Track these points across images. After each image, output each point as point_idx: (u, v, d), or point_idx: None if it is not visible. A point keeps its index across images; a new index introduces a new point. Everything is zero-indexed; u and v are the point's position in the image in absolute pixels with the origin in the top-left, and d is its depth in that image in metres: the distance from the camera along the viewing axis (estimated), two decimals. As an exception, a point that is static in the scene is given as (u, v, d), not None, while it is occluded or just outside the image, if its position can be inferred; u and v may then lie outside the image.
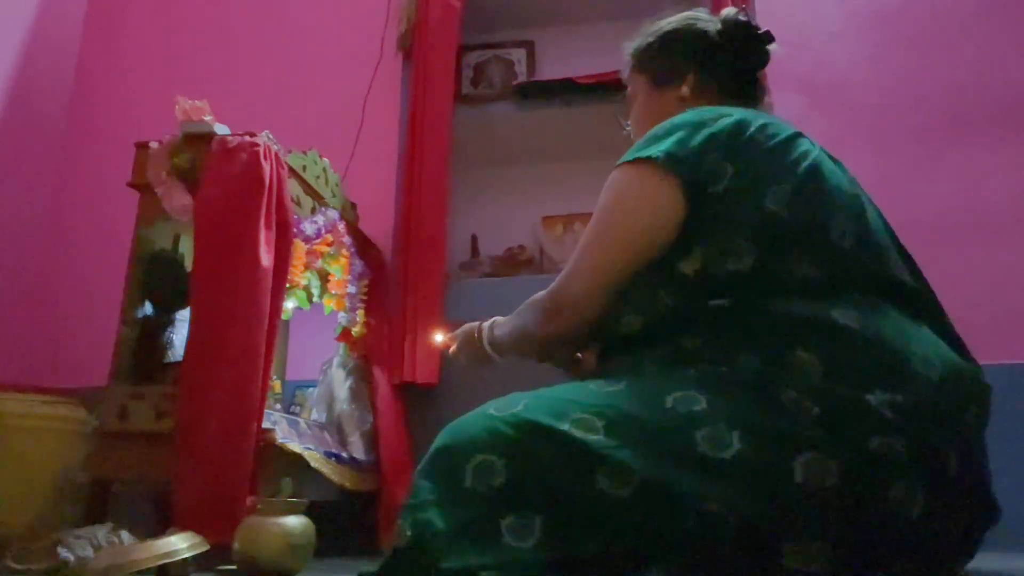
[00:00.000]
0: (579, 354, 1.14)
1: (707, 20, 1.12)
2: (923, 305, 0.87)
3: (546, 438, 0.74)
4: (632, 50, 1.18)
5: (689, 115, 0.94)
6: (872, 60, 2.17)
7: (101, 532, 1.19)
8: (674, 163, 0.88)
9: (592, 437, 0.73)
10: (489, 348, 1.16)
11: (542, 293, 0.98)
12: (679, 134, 0.90)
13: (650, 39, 1.15)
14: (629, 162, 0.92)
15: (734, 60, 1.09)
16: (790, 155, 0.89)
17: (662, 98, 1.12)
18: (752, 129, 0.90)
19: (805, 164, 0.88)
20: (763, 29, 1.09)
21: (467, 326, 1.24)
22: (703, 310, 0.84)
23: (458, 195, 2.13)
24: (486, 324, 1.19)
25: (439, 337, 1.32)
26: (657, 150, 0.89)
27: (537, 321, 0.98)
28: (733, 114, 0.92)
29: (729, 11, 1.11)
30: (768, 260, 0.83)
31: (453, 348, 1.25)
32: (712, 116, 0.92)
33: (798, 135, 0.93)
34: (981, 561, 0.82)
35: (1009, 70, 2.08)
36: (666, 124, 0.94)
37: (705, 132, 0.89)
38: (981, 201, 2.01)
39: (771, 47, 1.10)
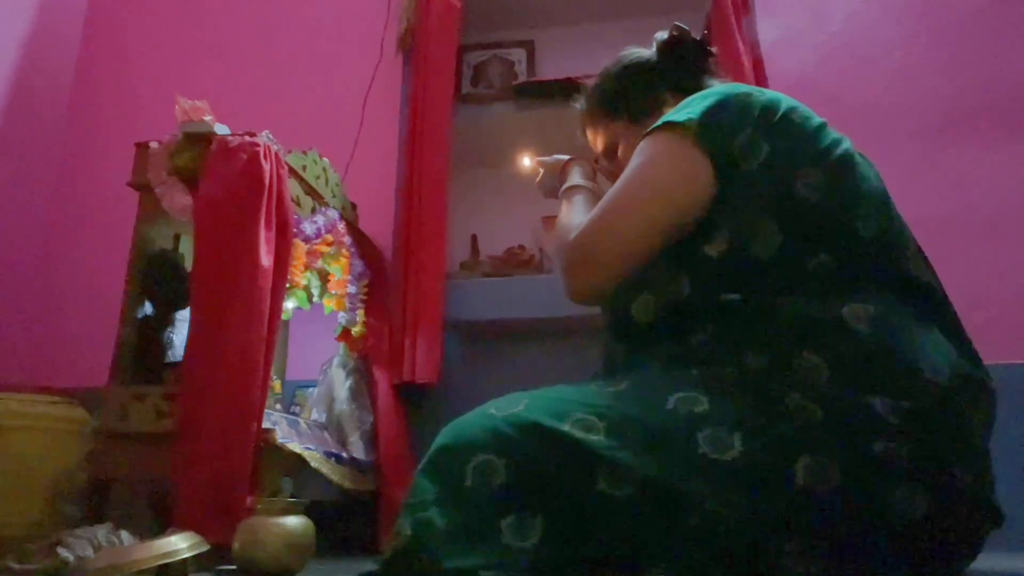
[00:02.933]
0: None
1: (642, 50, 1.16)
2: (936, 305, 0.86)
3: (546, 438, 0.74)
4: (596, 102, 1.18)
5: (718, 89, 0.93)
6: (872, 60, 2.17)
7: (101, 532, 1.19)
8: (707, 136, 0.87)
9: (593, 437, 0.73)
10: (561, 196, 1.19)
11: (571, 241, 0.94)
12: (710, 104, 0.90)
13: (608, 84, 1.17)
14: (661, 129, 0.91)
15: (691, 72, 1.12)
16: (823, 140, 0.88)
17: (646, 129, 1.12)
18: (784, 109, 0.90)
19: (838, 151, 0.88)
20: (698, 36, 1.13)
21: (554, 159, 1.28)
22: (714, 304, 0.83)
23: (458, 195, 2.13)
24: (574, 173, 1.21)
25: (527, 161, 1.43)
26: (688, 116, 0.88)
27: (562, 267, 0.95)
28: (765, 92, 0.92)
29: (660, 34, 1.14)
30: (792, 247, 0.82)
31: (539, 178, 1.31)
32: (743, 92, 0.91)
33: (826, 123, 0.92)
34: (981, 561, 0.82)
35: (1010, 70, 2.08)
36: (695, 96, 0.93)
37: (737, 107, 0.89)
38: (981, 201, 2.01)
39: (713, 49, 1.14)
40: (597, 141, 1.20)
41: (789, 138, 0.87)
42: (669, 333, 0.86)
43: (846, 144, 0.90)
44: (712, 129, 0.87)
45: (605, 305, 0.94)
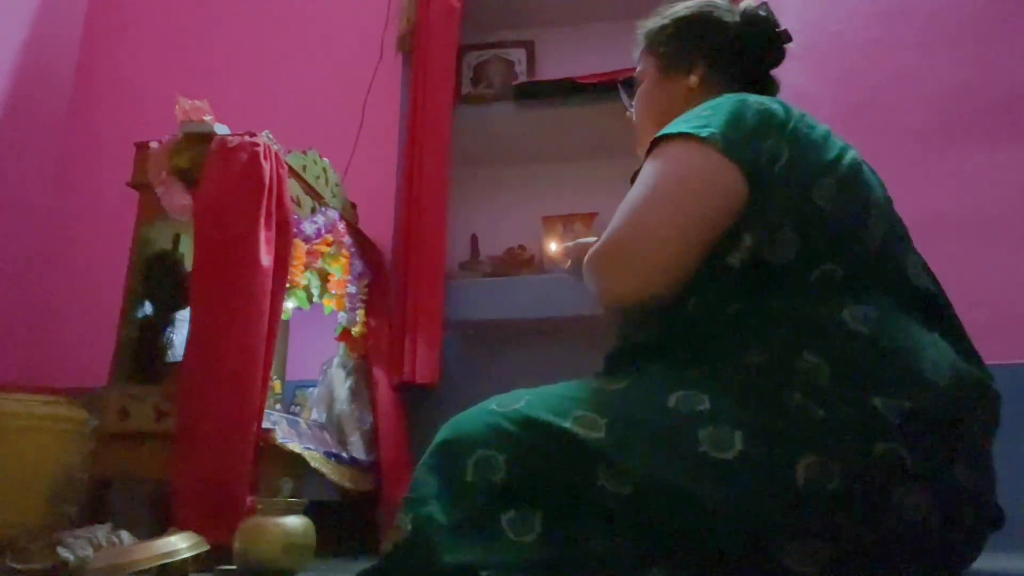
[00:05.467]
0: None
1: (725, 10, 1.08)
2: (937, 311, 0.86)
3: (547, 435, 0.74)
4: (645, 31, 1.14)
5: (725, 100, 0.91)
6: (872, 59, 2.17)
7: (101, 532, 1.19)
8: (732, 148, 0.84)
9: (593, 435, 0.73)
10: None
11: (598, 245, 0.88)
12: (727, 116, 0.87)
13: (664, 22, 1.12)
14: (677, 138, 0.87)
15: (748, 55, 1.07)
16: (831, 150, 0.88)
17: (669, 85, 1.09)
18: (795, 117, 0.89)
19: (847, 161, 0.87)
20: (782, 27, 1.08)
21: (581, 242, 1.22)
22: (722, 315, 0.83)
23: (458, 195, 2.13)
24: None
25: (554, 246, 1.34)
26: (709, 132, 0.84)
27: (595, 277, 0.88)
28: (773, 101, 0.91)
29: (749, 4, 1.09)
30: (805, 254, 0.82)
31: (568, 265, 1.25)
32: (757, 100, 0.90)
33: (831, 131, 0.92)
34: (981, 561, 0.82)
35: (1009, 70, 2.08)
36: (706, 107, 0.90)
37: (756, 116, 0.87)
38: (981, 201, 2.01)
39: (788, 46, 1.08)
40: (638, 65, 1.16)
41: (802, 147, 0.86)
42: (673, 343, 0.86)
43: (852, 153, 0.90)
44: (736, 140, 0.85)
45: (616, 330, 0.93)
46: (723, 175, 0.84)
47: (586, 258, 0.91)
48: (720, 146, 0.84)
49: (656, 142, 0.91)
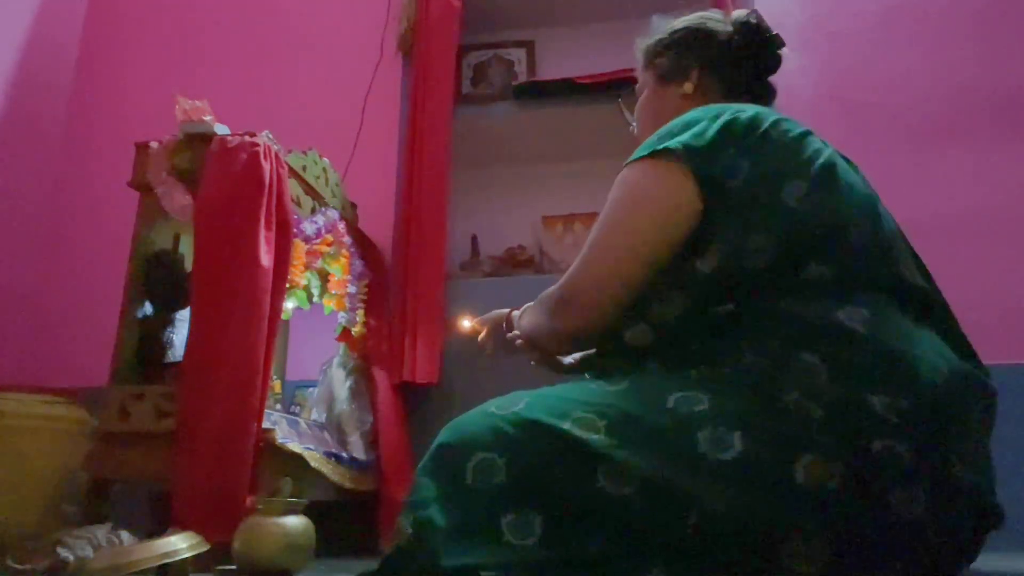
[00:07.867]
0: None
1: (718, 21, 1.12)
2: (931, 307, 0.86)
3: (547, 437, 0.74)
4: (643, 46, 1.18)
5: (701, 111, 0.93)
6: (872, 60, 2.18)
7: (101, 532, 1.19)
8: (691, 156, 0.87)
9: (593, 436, 0.73)
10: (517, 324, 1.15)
11: (553, 288, 0.97)
12: (694, 128, 0.89)
13: (660, 36, 1.15)
14: (644, 157, 0.91)
15: (743, 62, 1.09)
16: (804, 152, 0.88)
17: (665, 94, 1.12)
18: (766, 125, 0.89)
19: (820, 161, 0.88)
20: (774, 32, 1.09)
21: (495, 313, 1.24)
22: (710, 316, 0.83)
23: (458, 195, 2.13)
24: (516, 313, 1.18)
25: (467, 323, 1.31)
26: (675, 142, 0.88)
27: (548, 315, 0.97)
28: (747, 110, 0.91)
29: (739, 13, 1.11)
30: (785, 258, 0.82)
31: (482, 336, 1.25)
32: (728, 112, 0.91)
33: (809, 132, 0.92)
34: (981, 561, 0.82)
35: (1009, 70, 2.08)
36: (680, 120, 0.93)
37: (719, 127, 0.88)
38: (981, 201, 2.01)
39: (783, 51, 1.10)
40: (639, 80, 1.20)
41: (771, 153, 0.87)
42: (666, 347, 0.86)
43: (828, 152, 0.90)
44: (697, 150, 0.87)
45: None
46: (676, 195, 0.87)
47: (543, 295, 1.00)
48: (681, 155, 0.87)
49: (629, 164, 0.93)
